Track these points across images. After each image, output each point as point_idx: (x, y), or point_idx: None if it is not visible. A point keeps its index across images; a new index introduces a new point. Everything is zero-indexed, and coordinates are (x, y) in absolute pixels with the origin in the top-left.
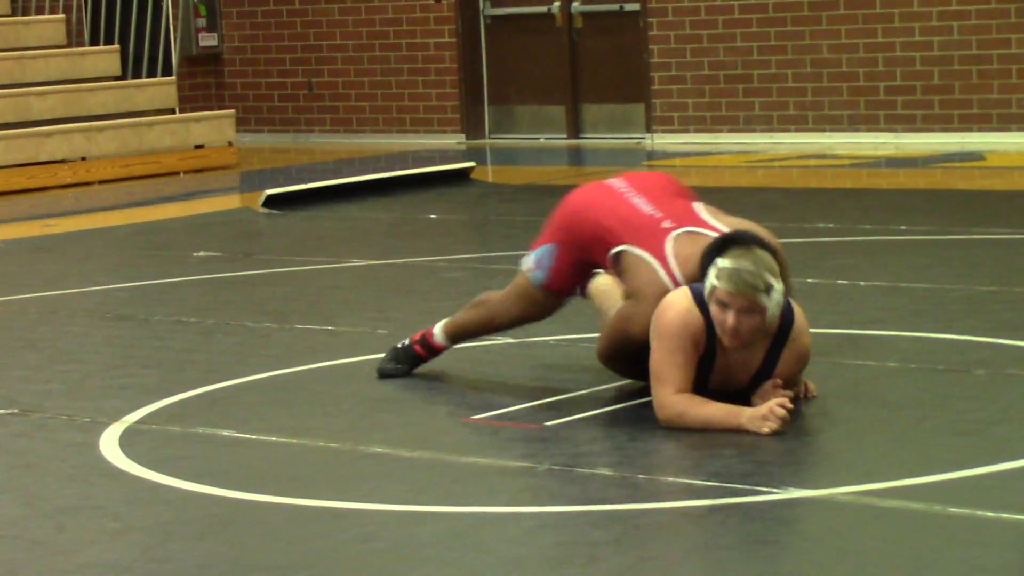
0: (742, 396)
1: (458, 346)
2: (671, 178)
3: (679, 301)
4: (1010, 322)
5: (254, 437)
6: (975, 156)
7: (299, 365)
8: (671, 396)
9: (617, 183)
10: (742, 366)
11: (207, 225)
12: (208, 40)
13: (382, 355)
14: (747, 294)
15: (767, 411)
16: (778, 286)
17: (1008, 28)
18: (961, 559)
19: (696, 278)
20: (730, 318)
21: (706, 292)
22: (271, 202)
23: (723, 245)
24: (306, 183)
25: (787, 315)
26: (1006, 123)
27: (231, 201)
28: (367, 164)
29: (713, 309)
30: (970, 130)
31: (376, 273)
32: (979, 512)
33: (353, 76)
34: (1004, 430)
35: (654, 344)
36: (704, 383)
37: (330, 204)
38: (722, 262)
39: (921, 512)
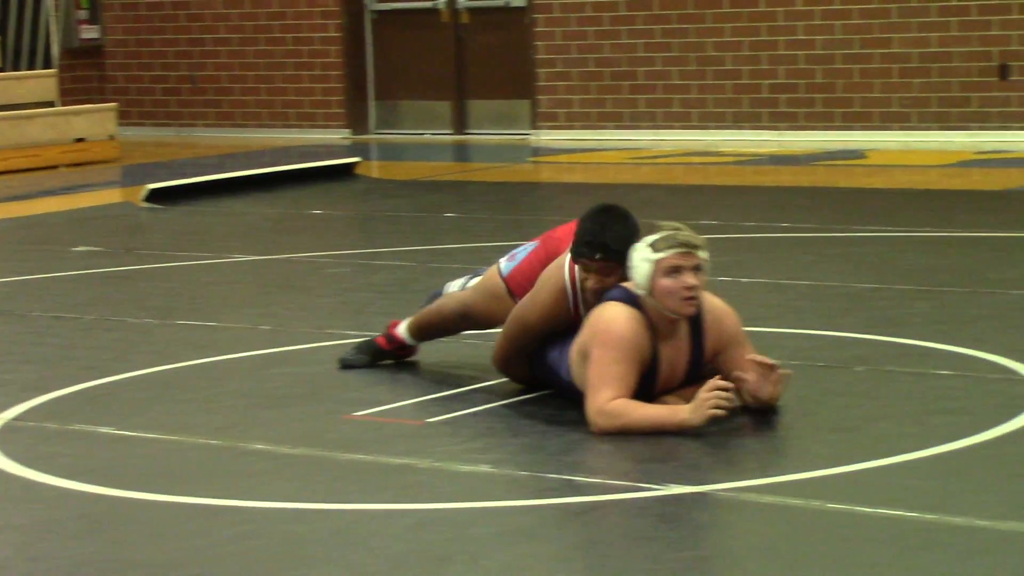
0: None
1: (339, 343)
2: None
3: (622, 311)
4: (890, 319)
5: (133, 434)
6: (856, 154)
7: (180, 361)
8: (609, 403)
9: None
10: (678, 357)
11: (88, 220)
12: (90, 32)
13: (264, 351)
14: (695, 249)
15: (701, 399)
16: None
17: (889, 28)
18: (838, 554)
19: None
20: (688, 278)
21: (646, 273)
22: (153, 196)
23: (612, 219)
24: (189, 178)
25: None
26: (887, 121)
27: (112, 195)
28: (251, 159)
29: (663, 283)
30: (852, 128)
31: (259, 269)
32: (857, 508)
33: (237, 70)
34: (883, 426)
35: (597, 353)
36: (651, 387)
37: (213, 199)
38: (648, 238)
39: (799, 508)
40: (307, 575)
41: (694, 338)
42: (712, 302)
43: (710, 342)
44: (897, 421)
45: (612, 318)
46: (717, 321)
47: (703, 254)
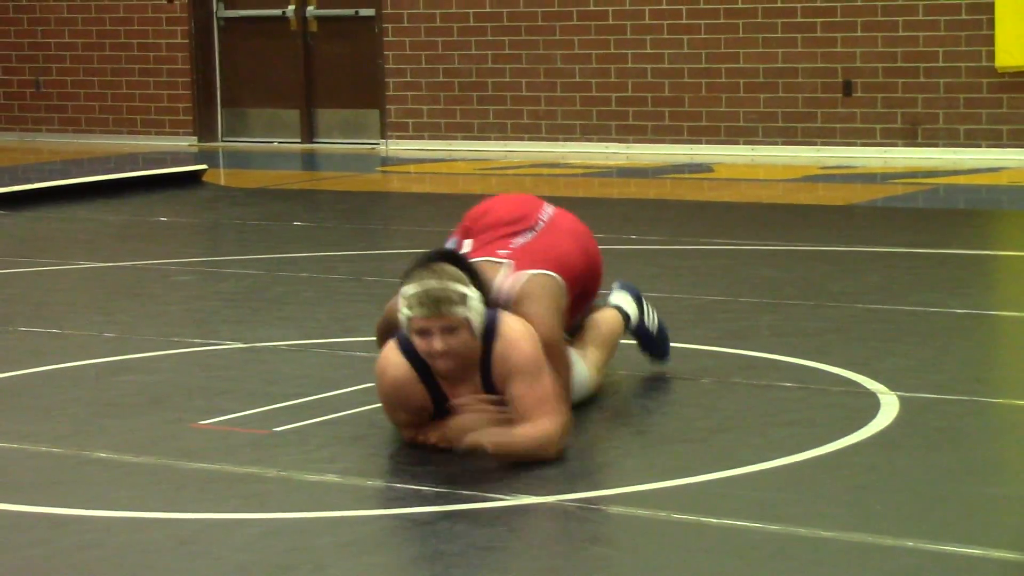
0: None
1: (185, 351)
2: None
3: (387, 359)
4: (736, 331)
5: None
6: (704, 168)
7: (22, 368)
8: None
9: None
10: (469, 391)
11: None
12: None
13: (108, 359)
14: (442, 311)
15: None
16: (472, 293)
17: (736, 43)
18: (685, 565)
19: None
20: (436, 343)
21: (404, 326)
22: None
23: (407, 273)
24: (32, 183)
25: (492, 325)
26: (734, 136)
27: None
28: (96, 165)
29: (416, 341)
30: (699, 142)
31: (104, 276)
32: (703, 519)
33: (82, 75)
34: (728, 438)
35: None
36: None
37: (57, 205)
38: (406, 289)
39: (647, 518)
40: None
41: (483, 371)
42: (506, 330)
43: (497, 375)
44: (742, 432)
45: (379, 368)
46: (504, 352)
47: (461, 311)
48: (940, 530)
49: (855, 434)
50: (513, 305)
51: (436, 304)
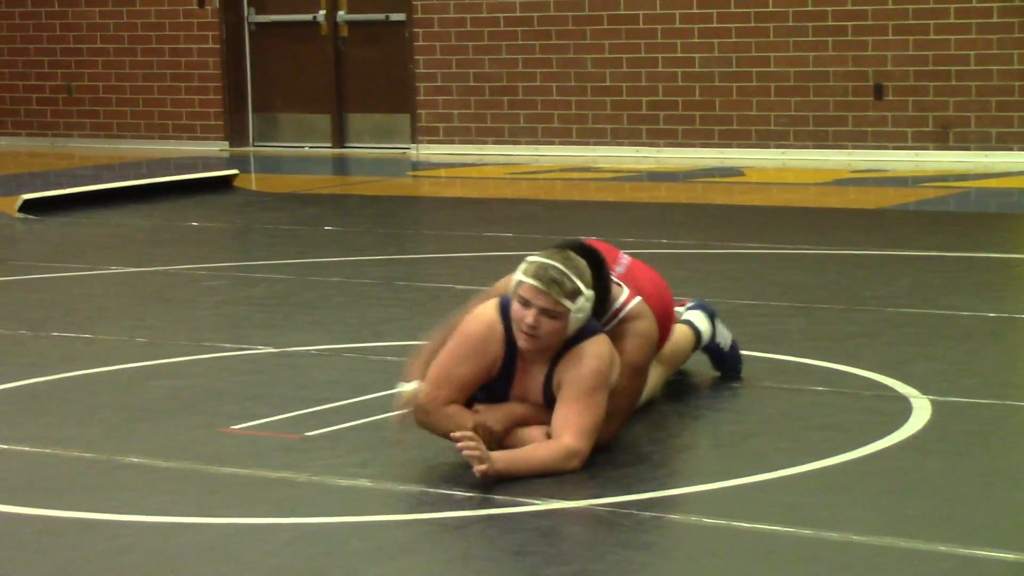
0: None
1: (216, 356)
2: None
3: (486, 313)
4: (766, 335)
5: (5, 447)
6: (734, 172)
7: (54, 373)
8: (432, 401)
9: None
10: (533, 376)
11: None
12: None
13: (139, 364)
14: (551, 292)
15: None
16: (587, 293)
17: (767, 47)
18: (716, 569)
19: None
20: (529, 316)
21: (511, 287)
22: (28, 207)
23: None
24: (64, 188)
25: (584, 333)
26: (764, 140)
27: None
28: (128, 170)
29: (514, 306)
30: (730, 146)
31: (135, 281)
32: (734, 523)
33: (114, 80)
34: (759, 442)
35: (450, 345)
36: (504, 397)
37: (89, 210)
38: (533, 256)
39: (678, 523)
40: None
41: (551, 364)
42: (590, 344)
43: (556, 378)
44: (773, 437)
45: (473, 316)
46: (573, 359)
47: (567, 302)
48: (972, 534)
49: (886, 438)
50: (622, 321)
51: (550, 283)
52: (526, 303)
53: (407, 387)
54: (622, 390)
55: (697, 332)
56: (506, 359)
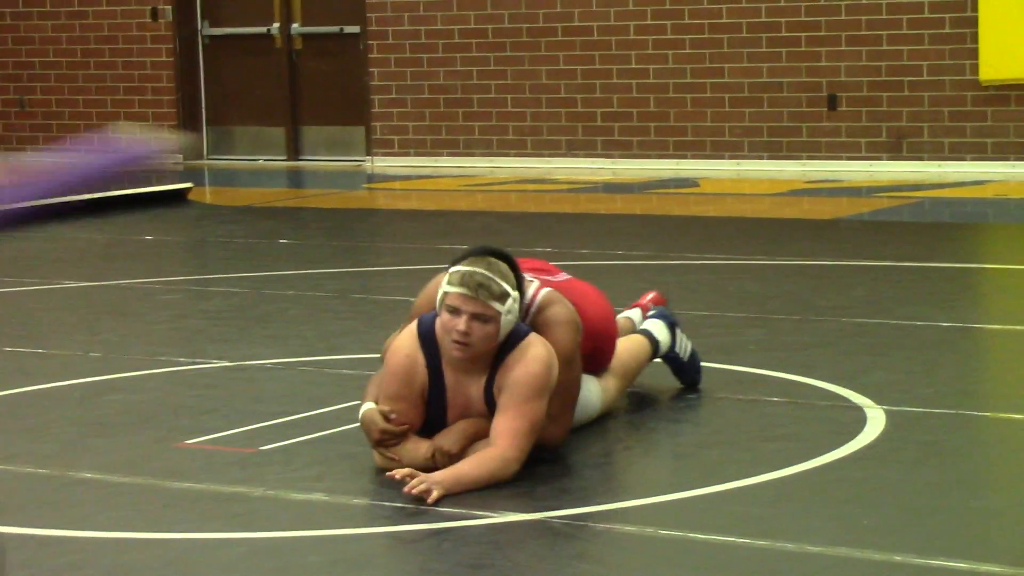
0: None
1: (170, 370)
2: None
3: (403, 339)
4: (722, 346)
5: None
6: (689, 182)
7: (7, 389)
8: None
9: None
10: (472, 386)
11: None
12: None
13: (94, 378)
14: (479, 297)
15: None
16: (514, 295)
17: (720, 58)
18: None
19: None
20: (461, 323)
21: (438, 300)
22: None
23: (463, 255)
24: (16, 203)
25: (516, 336)
26: (719, 150)
27: None
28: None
29: (443, 317)
30: (684, 157)
31: (89, 295)
32: (690, 534)
33: (67, 94)
34: (715, 453)
35: (382, 387)
36: (442, 413)
37: (42, 225)
38: (457, 266)
39: (634, 535)
40: None
41: (491, 371)
42: (527, 345)
43: (497, 384)
44: (729, 448)
45: (392, 351)
46: (512, 363)
47: (496, 305)
48: (928, 544)
49: (842, 448)
50: (536, 313)
51: (477, 288)
52: (456, 311)
53: (365, 407)
54: (560, 385)
55: (655, 342)
56: (432, 384)
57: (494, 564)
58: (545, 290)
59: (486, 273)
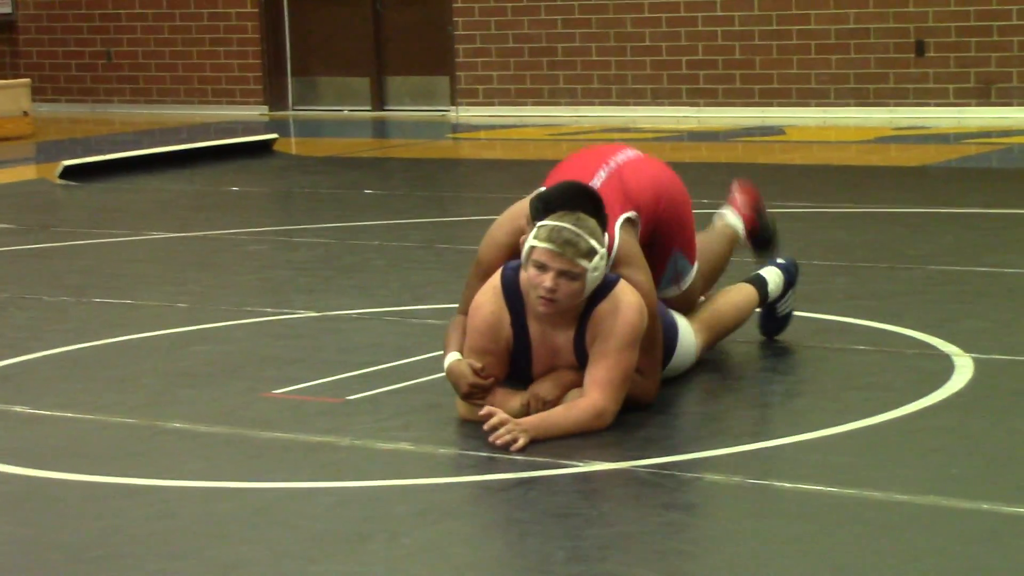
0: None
1: (257, 320)
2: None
3: (484, 292)
4: (810, 295)
5: (49, 413)
6: (775, 130)
7: (97, 340)
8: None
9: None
10: (559, 338)
11: (2, 197)
12: (2, 7)
13: (181, 329)
14: (566, 254)
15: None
16: (602, 251)
17: (807, 4)
18: (758, 530)
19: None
20: (547, 279)
21: (523, 253)
22: (68, 173)
23: (547, 204)
24: (105, 154)
25: (606, 286)
26: (805, 98)
27: (26, 172)
28: (168, 135)
29: (530, 272)
30: (770, 104)
31: (177, 246)
32: (776, 483)
33: (153, 46)
34: (802, 402)
35: (466, 344)
36: (527, 367)
37: (130, 176)
38: (545, 221)
39: (719, 483)
40: (226, 554)
41: (580, 323)
42: (620, 294)
43: (589, 334)
44: (816, 397)
45: (475, 308)
46: (604, 314)
47: (583, 262)
48: (1015, 493)
49: (929, 397)
50: (616, 263)
51: (565, 245)
52: (543, 267)
53: (450, 359)
54: (645, 339)
55: (764, 293)
56: (517, 337)
57: (580, 513)
58: (616, 240)
59: (574, 229)
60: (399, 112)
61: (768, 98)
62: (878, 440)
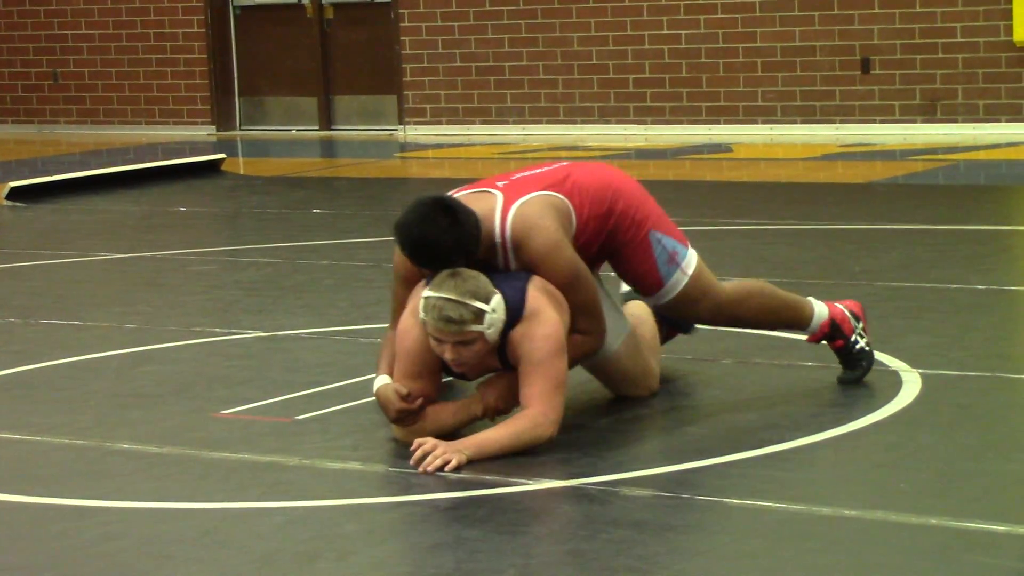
0: None
1: (206, 341)
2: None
3: (408, 327)
4: None
5: None
6: (722, 148)
7: (44, 361)
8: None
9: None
10: (488, 360)
11: None
12: None
13: (129, 350)
14: (454, 330)
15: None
16: (492, 304)
17: (753, 22)
18: (707, 546)
19: None
20: (447, 352)
21: (421, 320)
22: (15, 194)
23: (404, 236)
24: (51, 175)
25: (514, 305)
26: (752, 115)
27: None
28: (115, 156)
29: (431, 343)
30: (717, 122)
31: (124, 267)
32: (725, 499)
33: (100, 66)
34: (750, 418)
35: (395, 366)
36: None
37: (77, 197)
38: (427, 291)
39: (669, 500)
40: (175, 575)
41: (500, 343)
42: (529, 315)
43: (511, 353)
44: (763, 413)
45: (401, 334)
46: (519, 339)
47: (475, 328)
48: (964, 507)
49: (877, 412)
50: (515, 246)
51: (449, 323)
52: (439, 341)
53: (379, 382)
54: (575, 306)
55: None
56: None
57: (530, 531)
58: (512, 213)
59: (454, 300)
60: (347, 132)
61: (715, 116)
62: (827, 456)
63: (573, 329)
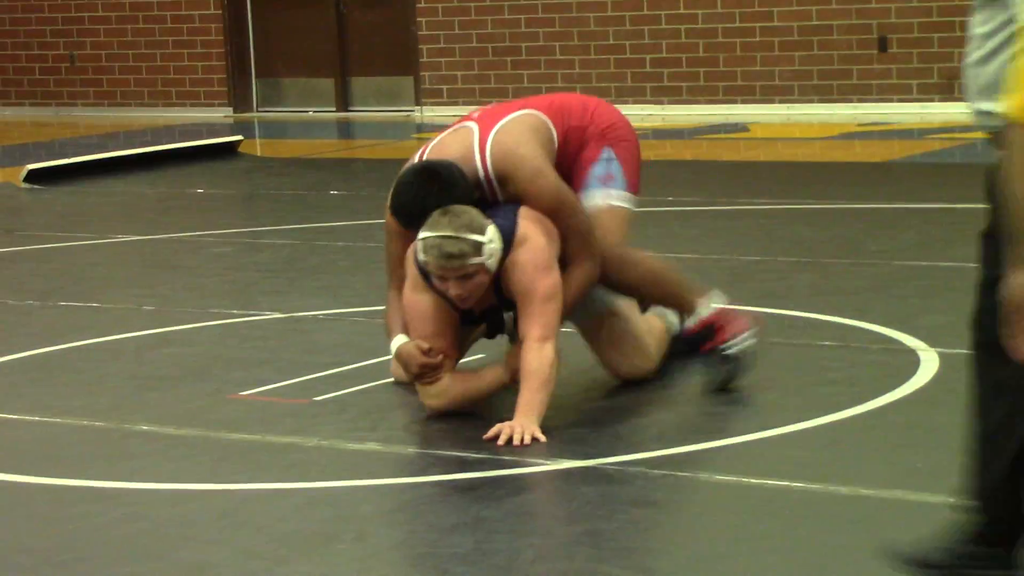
0: None
1: (223, 322)
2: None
3: (413, 296)
4: (773, 291)
5: (15, 417)
6: (739, 127)
7: (63, 343)
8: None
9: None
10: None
11: None
12: None
13: (147, 332)
14: (456, 265)
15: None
16: (488, 235)
17: (770, 1)
18: (727, 525)
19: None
20: (451, 288)
21: (421, 264)
22: (33, 177)
23: (400, 206)
24: (69, 157)
25: (505, 236)
26: (769, 95)
27: None
28: (132, 138)
29: (435, 281)
30: (734, 102)
31: (142, 249)
32: (744, 479)
33: (116, 49)
34: (768, 398)
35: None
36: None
37: (94, 179)
38: (423, 232)
39: (688, 480)
40: (194, 555)
41: (496, 286)
42: (519, 247)
43: (506, 287)
44: (782, 392)
45: (409, 304)
46: (512, 269)
47: (475, 260)
48: None
49: (895, 392)
50: (499, 180)
51: (450, 259)
52: (442, 279)
53: (397, 342)
54: (568, 230)
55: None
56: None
57: (549, 511)
58: (489, 143)
59: (452, 235)
60: (364, 113)
61: (732, 95)
62: (844, 435)
63: (567, 257)
